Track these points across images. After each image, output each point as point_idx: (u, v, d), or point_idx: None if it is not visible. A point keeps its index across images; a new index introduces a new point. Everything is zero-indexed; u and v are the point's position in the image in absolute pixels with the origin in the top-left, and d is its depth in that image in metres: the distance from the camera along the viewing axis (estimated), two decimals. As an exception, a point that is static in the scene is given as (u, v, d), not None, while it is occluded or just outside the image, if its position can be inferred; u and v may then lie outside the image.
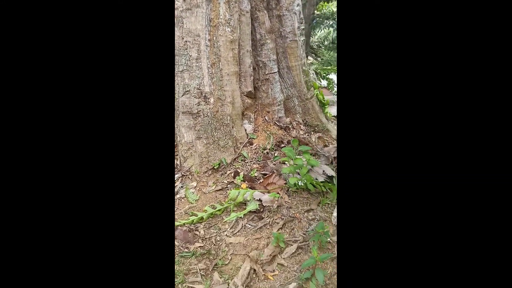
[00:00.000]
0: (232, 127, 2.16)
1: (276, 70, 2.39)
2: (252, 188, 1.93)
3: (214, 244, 1.56)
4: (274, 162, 2.21)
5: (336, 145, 2.61)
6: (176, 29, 1.91)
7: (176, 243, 1.56)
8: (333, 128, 2.80)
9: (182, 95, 2.02)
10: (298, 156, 1.94)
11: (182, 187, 1.99)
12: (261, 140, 2.37)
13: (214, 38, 1.89)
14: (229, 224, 1.68)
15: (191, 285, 1.35)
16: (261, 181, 2.02)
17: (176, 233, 1.60)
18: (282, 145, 2.36)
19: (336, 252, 1.55)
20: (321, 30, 7.18)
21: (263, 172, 2.11)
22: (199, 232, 1.64)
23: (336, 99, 3.46)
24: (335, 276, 1.42)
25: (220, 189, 1.94)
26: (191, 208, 1.83)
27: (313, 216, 1.78)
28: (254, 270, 1.42)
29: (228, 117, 2.10)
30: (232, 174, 2.04)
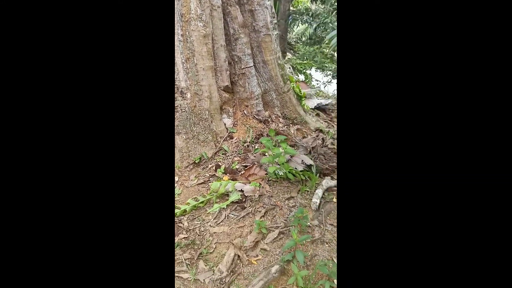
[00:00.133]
0: (211, 122, 2.19)
1: (252, 64, 2.44)
2: (234, 179, 1.97)
3: (199, 235, 1.59)
4: (254, 154, 2.26)
5: (314, 135, 2.69)
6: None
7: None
8: (310, 120, 2.88)
9: (159, 92, 2.03)
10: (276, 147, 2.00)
11: (164, 183, 2.01)
12: (241, 134, 2.41)
13: (187, 33, 1.91)
14: (213, 215, 1.72)
15: (177, 275, 1.37)
16: (242, 172, 2.06)
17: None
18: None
19: (315, 235, 1.62)
20: (297, 26, 7.30)
21: (244, 164, 2.15)
22: (183, 224, 1.66)
23: (313, 92, 3.55)
24: (316, 258, 1.49)
25: (202, 183, 1.96)
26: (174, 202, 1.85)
27: (294, 203, 1.85)
28: (238, 256, 1.47)
29: (206, 111, 2.12)
30: (214, 168, 2.07)
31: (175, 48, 1.92)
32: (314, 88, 3.97)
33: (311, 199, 1.84)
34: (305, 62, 4.66)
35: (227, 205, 1.77)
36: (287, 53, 5.82)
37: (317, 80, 5.24)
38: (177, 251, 1.48)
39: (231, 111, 2.40)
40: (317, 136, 2.64)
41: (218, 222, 1.68)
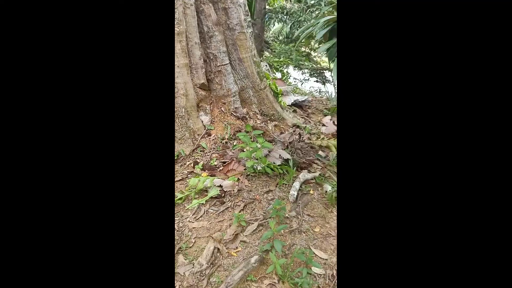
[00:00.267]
0: (188, 119, 2.19)
1: (228, 62, 2.46)
2: (213, 176, 1.98)
3: (177, 230, 1.60)
4: (233, 151, 2.29)
5: (291, 131, 2.75)
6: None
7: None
8: (288, 116, 2.94)
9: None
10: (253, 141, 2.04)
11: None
12: (219, 131, 2.43)
13: (161, 31, 1.90)
14: (191, 211, 1.73)
15: (156, 271, 1.37)
16: (221, 168, 2.08)
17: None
18: (240, 134, 2.44)
19: (293, 225, 1.67)
20: (274, 25, 7.38)
21: (223, 161, 2.17)
22: (162, 222, 1.66)
23: (290, 89, 3.62)
24: (294, 247, 1.54)
25: (180, 179, 1.96)
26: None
27: (272, 196, 1.89)
28: (218, 249, 1.49)
29: (183, 109, 2.12)
30: (192, 165, 2.08)
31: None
32: (290, 85, 4.05)
33: (289, 192, 1.89)
34: (281, 60, 4.74)
35: (206, 201, 1.79)
36: (265, 52, 5.88)
37: (295, 78, 5.34)
38: (156, 247, 1.48)
39: (208, 109, 2.41)
40: (294, 131, 2.70)
41: (197, 218, 1.69)
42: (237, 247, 1.52)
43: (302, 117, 3.13)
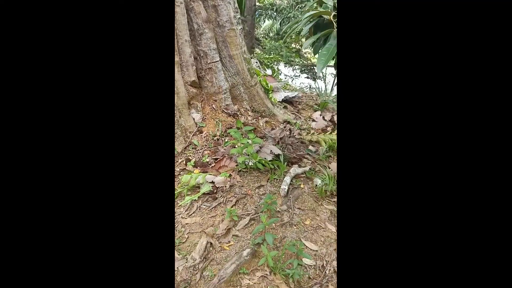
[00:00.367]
0: (180, 117, 2.20)
1: (218, 59, 2.47)
2: (205, 172, 2.00)
3: (170, 227, 1.62)
4: (224, 147, 2.31)
5: (282, 127, 2.79)
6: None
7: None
8: (278, 112, 2.97)
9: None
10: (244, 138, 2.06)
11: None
12: (211, 128, 2.45)
13: (150, 28, 1.90)
14: (184, 207, 1.75)
15: (150, 267, 1.40)
16: (213, 165, 2.11)
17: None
18: (231, 131, 2.46)
19: (284, 219, 1.71)
20: (264, 22, 7.39)
21: (215, 157, 2.19)
22: (155, 218, 1.68)
23: (280, 85, 3.65)
24: (285, 239, 1.58)
25: (172, 177, 1.98)
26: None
27: (264, 191, 1.93)
28: (211, 243, 1.52)
29: (174, 106, 2.13)
30: (184, 162, 2.10)
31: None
32: (281, 81, 4.08)
33: (280, 186, 1.93)
34: (271, 56, 4.76)
35: (198, 197, 1.81)
36: (256, 48, 5.88)
37: (286, 75, 5.37)
38: (150, 243, 1.50)
39: (199, 106, 2.43)
40: (284, 127, 2.74)
41: (190, 214, 1.71)
42: (229, 241, 1.56)
43: (293, 113, 3.16)
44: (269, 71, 4.49)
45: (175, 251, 1.47)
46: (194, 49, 2.36)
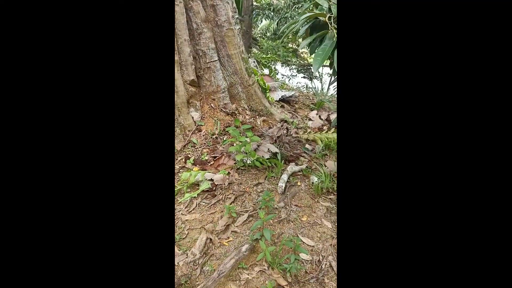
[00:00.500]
0: (179, 115, 2.23)
1: (217, 58, 2.50)
2: (204, 170, 2.04)
3: (170, 223, 1.65)
4: (223, 146, 2.34)
5: (279, 126, 2.83)
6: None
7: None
8: (275, 111, 3.01)
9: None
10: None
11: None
12: (209, 126, 2.48)
13: (150, 28, 1.93)
14: (184, 204, 1.78)
15: (151, 262, 1.43)
16: (212, 163, 2.14)
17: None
18: (229, 129, 2.50)
19: (282, 215, 1.75)
20: (261, 22, 7.42)
21: (213, 155, 2.23)
22: (155, 215, 1.71)
23: (277, 85, 3.69)
24: (282, 235, 1.62)
25: (172, 175, 2.01)
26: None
27: (262, 189, 1.97)
28: (210, 239, 1.55)
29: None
30: (183, 160, 2.12)
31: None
32: (278, 81, 4.12)
33: (278, 184, 1.97)
34: (268, 56, 4.80)
35: (198, 194, 1.84)
36: (253, 48, 5.92)
37: (283, 75, 5.41)
38: (151, 239, 1.53)
39: (198, 105, 2.46)
40: (281, 126, 2.78)
41: (189, 210, 1.75)
42: (228, 237, 1.59)
43: (290, 112, 3.21)
44: (266, 71, 4.53)
45: (176, 247, 1.50)
46: (193, 48, 2.39)
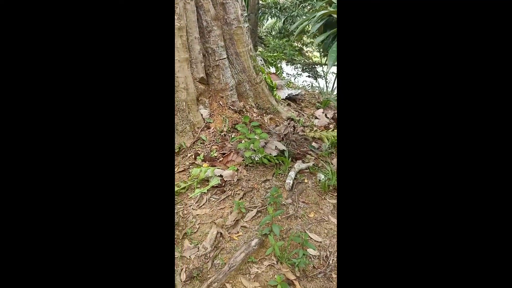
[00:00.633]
0: (189, 113, 2.26)
1: (225, 56, 2.53)
2: (213, 166, 2.07)
3: (182, 217, 1.69)
4: (231, 143, 2.38)
5: (286, 124, 2.86)
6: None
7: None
8: (282, 109, 3.04)
9: (135, 84, 2.06)
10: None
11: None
12: (218, 124, 2.51)
13: (163, 26, 1.96)
14: (194, 199, 1.82)
15: (163, 254, 1.47)
16: (221, 159, 2.18)
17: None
18: (237, 127, 2.53)
19: (289, 211, 1.79)
20: (267, 20, 7.43)
21: (222, 152, 2.26)
22: (166, 209, 1.75)
23: (284, 83, 3.72)
24: (290, 231, 1.65)
25: (182, 170, 2.05)
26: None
27: (269, 185, 2.00)
28: (221, 233, 1.59)
29: (183, 102, 2.19)
30: (193, 156, 2.16)
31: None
32: (284, 79, 4.14)
33: (285, 181, 2.01)
34: (275, 54, 4.82)
35: (207, 190, 1.88)
36: (259, 47, 5.93)
37: (288, 73, 5.43)
38: (163, 232, 1.58)
39: (207, 102, 2.49)
40: (288, 124, 2.81)
41: (200, 205, 1.79)
42: (238, 232, 1.63)
43: (296, 110, 3.23)
44: (272, 69, 4.55)
45: (187, 240, 1.54)
46: (203, 46, 2.42)
